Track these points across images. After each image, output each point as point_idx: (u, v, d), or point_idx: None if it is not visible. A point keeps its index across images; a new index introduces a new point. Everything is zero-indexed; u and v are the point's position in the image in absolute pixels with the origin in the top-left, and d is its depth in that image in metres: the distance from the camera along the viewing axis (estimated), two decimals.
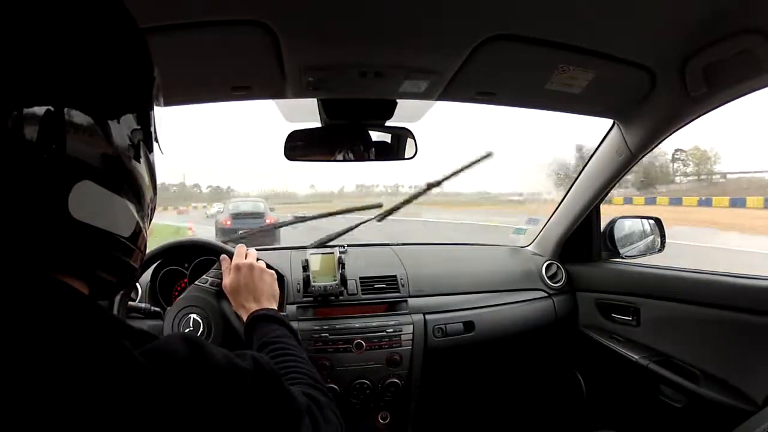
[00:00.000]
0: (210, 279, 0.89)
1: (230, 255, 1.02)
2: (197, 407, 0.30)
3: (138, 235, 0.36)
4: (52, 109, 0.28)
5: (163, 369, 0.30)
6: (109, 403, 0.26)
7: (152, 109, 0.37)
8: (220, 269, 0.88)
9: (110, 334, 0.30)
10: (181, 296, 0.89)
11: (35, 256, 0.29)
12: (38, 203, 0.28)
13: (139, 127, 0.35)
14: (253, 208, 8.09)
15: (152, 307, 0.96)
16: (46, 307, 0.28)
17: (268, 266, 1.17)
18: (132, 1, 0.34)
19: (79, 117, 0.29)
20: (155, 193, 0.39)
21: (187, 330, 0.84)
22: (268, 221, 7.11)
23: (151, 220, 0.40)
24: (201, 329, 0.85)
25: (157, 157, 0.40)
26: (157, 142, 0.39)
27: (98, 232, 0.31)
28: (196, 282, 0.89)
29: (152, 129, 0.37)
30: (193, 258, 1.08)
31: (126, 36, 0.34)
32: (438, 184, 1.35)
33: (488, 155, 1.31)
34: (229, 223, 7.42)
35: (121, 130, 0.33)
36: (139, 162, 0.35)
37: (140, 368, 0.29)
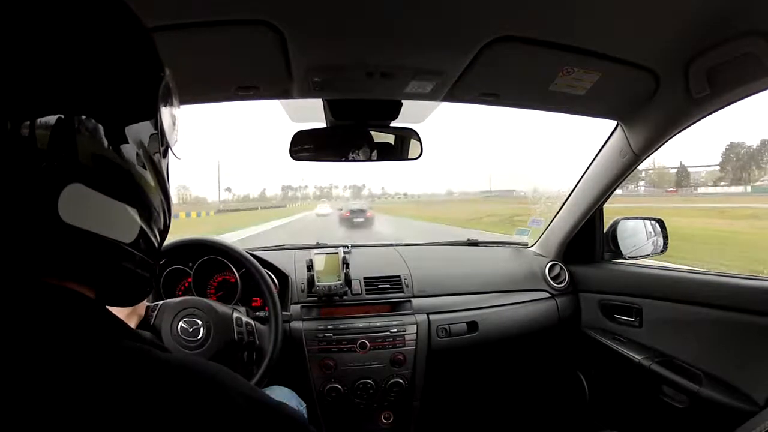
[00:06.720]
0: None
1: (233, 254, 1.02)
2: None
3: (143, 241, 0.34)
4: (63, 117, 0.27)
5: (188, 380, 0.29)
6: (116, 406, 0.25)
7: (160, 112, 0.35)
8: None
9: (112, 334, 0.30)
10: (186, 296, 0.89)
11: (27, 260, 0.28)
12: (29, 206, 0.27)
13: (145, 130, 0.33)
14: (361, 207, 16.34)
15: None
16: (40, 306, 0.28)
17: (273, 266, 1.18)
18: (140, 0, 0.34)
19: (89, 123, 0.28)
20: (167, 198, 0.37)
21: (185, 331, 0.84)
22: (368, 214, 15.68)
23: (166, 225, 0.38)
24: (200, 333, 0.85)
25: (173, 161, 0.38)
26: (168, 144, 0.37)
27: (93, 237, 0.29)
28: None
29: (159, 131, 0.35)
30: (197, 257, 1.08)
31: (135, 40, 0.33)
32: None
33: None
34: (348, 214, 15.46)
35: (126, 134, 0.31)
36: (144, 167, 0.33)
37: (161, 368, 0.28)
